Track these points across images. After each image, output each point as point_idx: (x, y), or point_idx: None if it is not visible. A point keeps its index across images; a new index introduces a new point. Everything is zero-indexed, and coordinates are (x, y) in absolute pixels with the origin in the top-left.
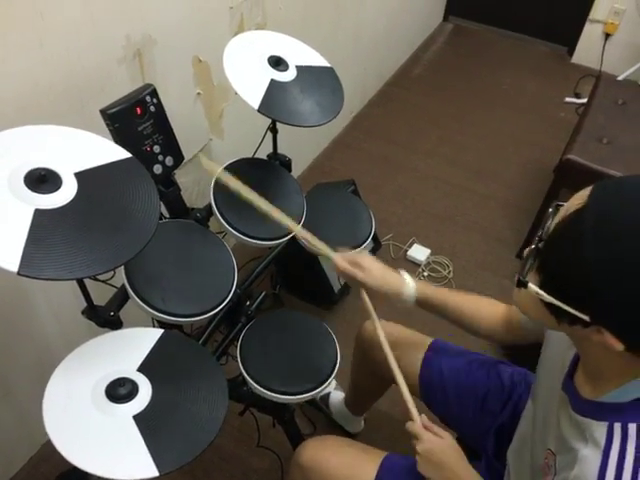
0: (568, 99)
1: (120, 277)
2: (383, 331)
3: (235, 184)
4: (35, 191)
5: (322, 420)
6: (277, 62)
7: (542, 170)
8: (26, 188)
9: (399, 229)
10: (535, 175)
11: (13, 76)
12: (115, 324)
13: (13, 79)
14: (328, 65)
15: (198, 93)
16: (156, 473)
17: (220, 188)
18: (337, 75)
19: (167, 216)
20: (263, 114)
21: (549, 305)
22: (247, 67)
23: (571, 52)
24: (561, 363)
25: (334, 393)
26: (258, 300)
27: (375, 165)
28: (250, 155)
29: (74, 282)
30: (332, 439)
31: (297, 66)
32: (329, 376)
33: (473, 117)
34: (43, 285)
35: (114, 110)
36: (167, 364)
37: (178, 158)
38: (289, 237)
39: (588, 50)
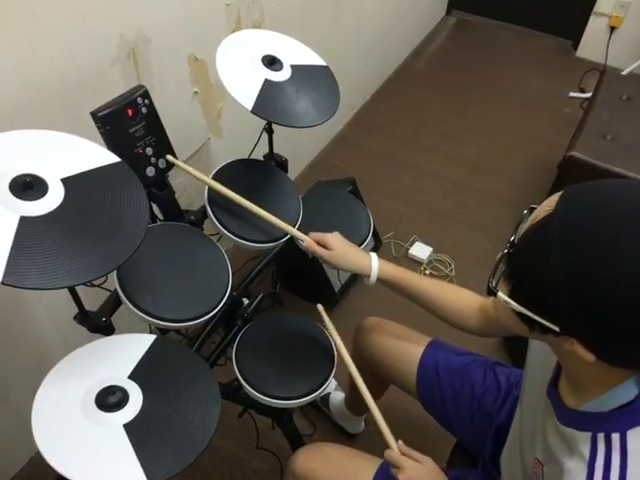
0: (572, 94)
1: (113, 281)
2: (350, 356)
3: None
4: (20, 198)
5: (322, 421)
6: (271, 61)
7: (546, 166)
8: (11, 195)
9: (400, 227)
10: (539, 171)
11: (4, 77)
12: (107, 330)
13: (4, 80)
14: (324, 64)
15: (195, 92)
16: None
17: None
18: (333, 74)
19: (161, 218)
20: (257, 115)
21: (520, 313)
22: (240, 67)
23: (576, 46)
24: (545, 368)
25: (334, 394)
26: (255, 303)
27: (376, 162)
28: (248, 154)
29: None
30: (326, 446)
31: (292, 65)
32: (326, 379)
33: (476, 112)
34: None
35: (105, 112)
36: (159, 371)
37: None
38: (285, 239)
39: (593, 44)
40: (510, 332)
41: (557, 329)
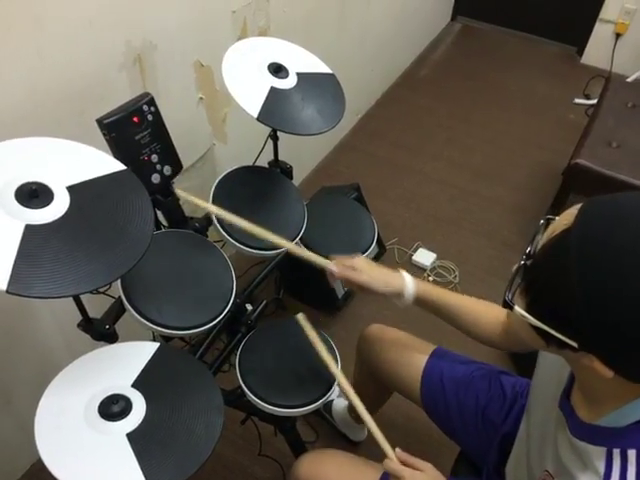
0: (578, 100)
1: (117, 287)
2: (342, 377)
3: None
4: (26, 206)
5: (325, 428)
6: (277, 69)
7: (550, 173)
8: (17, 203)
9: (404, 233)
10: (543, 178)
11: (10, 85)
12: (111, 337)
13: (10, 88)
14: (329, 72)
15: (200, 98)
16: None
17: (220, 196)
18: (339, 81)
19: (166, 225)
20: (262, 123)
21: (537, 327)
22: (246, 75)
23: (581, 52)
24: (557, 379)
25: (337, 401)
26: (258, 310)
27: (381, 168)
28: (252, 160)
29: None
30: (330, 453)
31: (298, 73)
32: (329, 388)
33: (481, 119)
34: None
35: (110, 120)
36: (162, 380)
37: (177, 167)
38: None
39: (598, 50)
40: (531, 347)
41: (575, 345)
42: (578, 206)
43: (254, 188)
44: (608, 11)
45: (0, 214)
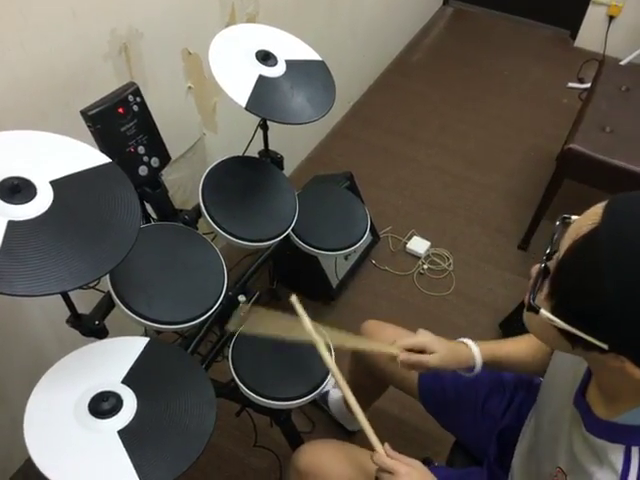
0: (571, 84)
1: (106, 281)
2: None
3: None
4: (8, 202)
5: (321, 418)
6: (265, 57)
7: (544, 158)
8: None
9: (398, 221)
10: (537, 163)
11: None
12: (100, 333)
13: None
14: (319, 59)
15: (189, 87)
16: None
17: (209, 188)
18: (329, 69)
19: (155, 218)
20: (251, 112)
21: (563, 330)
22: (234, 63)
23: (574, 36)
24: (572, 376)
25: (333, 391)
26: (252, 301)
27: (374, 156)
28: (243, 150)
29: None
30: (330, 443)
31: (287, 60)
32: (324, 380)
33: (474, 104)
34: None
35: (95, 111)
36: (153, 375)
37: (164, 159)
38: (280, 238)
39: (591, 33)
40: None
41: (605, 347)
42: (602, 204)
43: (244, 179)
44: None
45: None
